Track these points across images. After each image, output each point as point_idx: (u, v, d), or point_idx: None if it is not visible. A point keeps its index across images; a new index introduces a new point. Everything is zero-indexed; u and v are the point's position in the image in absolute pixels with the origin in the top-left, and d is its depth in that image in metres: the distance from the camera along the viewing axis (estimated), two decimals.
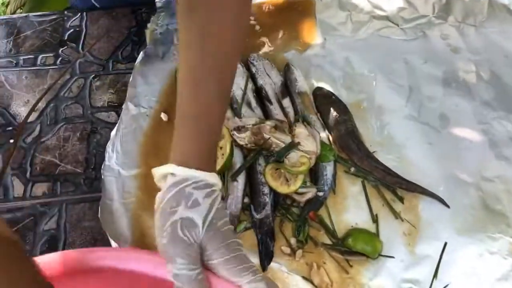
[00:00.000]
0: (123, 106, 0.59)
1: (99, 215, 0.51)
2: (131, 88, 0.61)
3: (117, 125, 0.58)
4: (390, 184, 0.55)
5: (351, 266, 0.51)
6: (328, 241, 0.52)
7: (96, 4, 0.73)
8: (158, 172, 0.40)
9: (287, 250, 0.51)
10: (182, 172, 0.38)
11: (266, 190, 0.54)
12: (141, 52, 0.63)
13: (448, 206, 0.54)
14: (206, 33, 0.41)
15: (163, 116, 0.60)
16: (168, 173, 0.39)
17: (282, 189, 0.53)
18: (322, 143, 0.57)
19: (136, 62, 0.62)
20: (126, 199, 0.54)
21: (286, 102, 0.60)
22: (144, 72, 0.62)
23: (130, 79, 0.61)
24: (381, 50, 0.66)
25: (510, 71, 0.64)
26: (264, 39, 0.67)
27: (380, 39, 0.67)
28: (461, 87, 0.63)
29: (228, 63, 0.43)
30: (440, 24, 0.68)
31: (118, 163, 0.56)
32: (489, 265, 0.50)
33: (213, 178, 0.39)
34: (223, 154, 0.55)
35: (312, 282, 0.49)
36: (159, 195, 0.39)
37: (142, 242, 0.52)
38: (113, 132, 0.57)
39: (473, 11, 0.68)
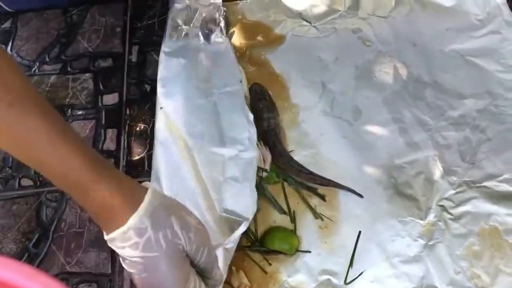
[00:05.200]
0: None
1: None
2: None
3: None
4: (305, 181, 0.56)
5: (270, 264, 0.52)
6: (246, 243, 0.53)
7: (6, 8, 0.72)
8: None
9: None
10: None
11: None
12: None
13: (361, 196, 0.56)
14: None
15: None
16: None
17: None
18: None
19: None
20: None
21: None
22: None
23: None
24: (296, 50, 0.68)
25: (418, 60, 0.66)
26: None
27: (295, 39, 0.69)
28: (372, 79, 0.65)
29: None
30: (351, 18, 0.70)
31: None
32: (400, 249, 0.53)
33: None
34: None
35: (232, 286, 0.51)
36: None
37: None
38: None
39: (381, 3, 0.70)
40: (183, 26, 0.66)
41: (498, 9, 0.69)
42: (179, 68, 0.62)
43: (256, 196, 0.52)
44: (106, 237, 0.37)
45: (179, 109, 0.58)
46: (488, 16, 0.69)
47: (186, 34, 0.65)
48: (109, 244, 0.37)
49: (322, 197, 0.56)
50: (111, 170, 0.37)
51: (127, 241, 0.35)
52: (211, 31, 0.65)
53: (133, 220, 0.35)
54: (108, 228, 0.36)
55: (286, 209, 0.55)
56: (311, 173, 0.56)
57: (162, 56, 0.63)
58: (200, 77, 0.61)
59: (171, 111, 0.58)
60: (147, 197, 0.36)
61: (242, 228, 0.48)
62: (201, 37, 0.65)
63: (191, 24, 0.66)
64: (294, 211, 0.55)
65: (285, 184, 0.57)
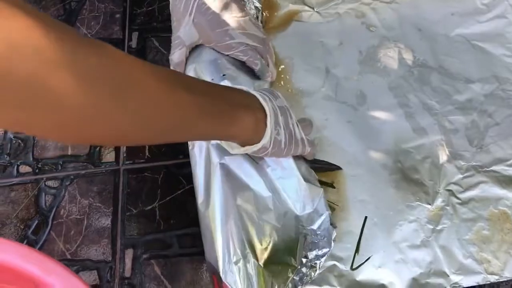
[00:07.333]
0: None
1: None
2: None
3: None
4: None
5: None
6: None
7: None
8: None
9: None
10: None
11: None
12: None
13: (340, 168, 0.55)
14: None
15: None
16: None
17: None
18: None
19: None
20: None
21: None
22: None
23: None
24: (298, 36, 0.66)
25: (423, 44, 0.65)
26: None
27: (298, 24, 0.68)
28: (377, 64, 0.63)
29: None
30: (354, 3, 0.69)
31: None
32: (408, 234, 0.51)
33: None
34: None
35: None
36: None
37: None
38: None
39: None
40: None
41: None
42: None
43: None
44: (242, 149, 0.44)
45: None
46: (493, 1, 0.68)
47: None
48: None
49: (331, 185, 0.55)
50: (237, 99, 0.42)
51: (261, 151, 0.44)
52: None
53: (264, 139, 0.43)
54: (248, 143, 0.44)
55: None
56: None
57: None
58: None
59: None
60: (268, 118, 0.43)
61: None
62: None
63: None
64: None
65: None
